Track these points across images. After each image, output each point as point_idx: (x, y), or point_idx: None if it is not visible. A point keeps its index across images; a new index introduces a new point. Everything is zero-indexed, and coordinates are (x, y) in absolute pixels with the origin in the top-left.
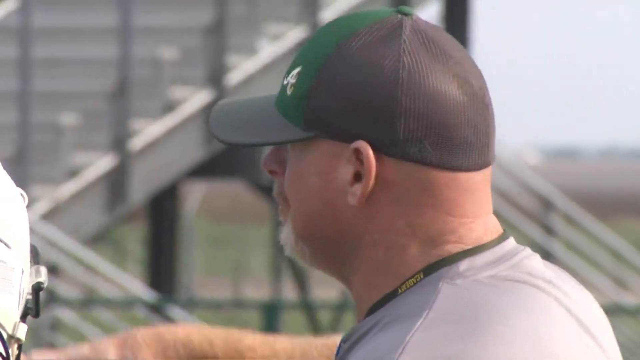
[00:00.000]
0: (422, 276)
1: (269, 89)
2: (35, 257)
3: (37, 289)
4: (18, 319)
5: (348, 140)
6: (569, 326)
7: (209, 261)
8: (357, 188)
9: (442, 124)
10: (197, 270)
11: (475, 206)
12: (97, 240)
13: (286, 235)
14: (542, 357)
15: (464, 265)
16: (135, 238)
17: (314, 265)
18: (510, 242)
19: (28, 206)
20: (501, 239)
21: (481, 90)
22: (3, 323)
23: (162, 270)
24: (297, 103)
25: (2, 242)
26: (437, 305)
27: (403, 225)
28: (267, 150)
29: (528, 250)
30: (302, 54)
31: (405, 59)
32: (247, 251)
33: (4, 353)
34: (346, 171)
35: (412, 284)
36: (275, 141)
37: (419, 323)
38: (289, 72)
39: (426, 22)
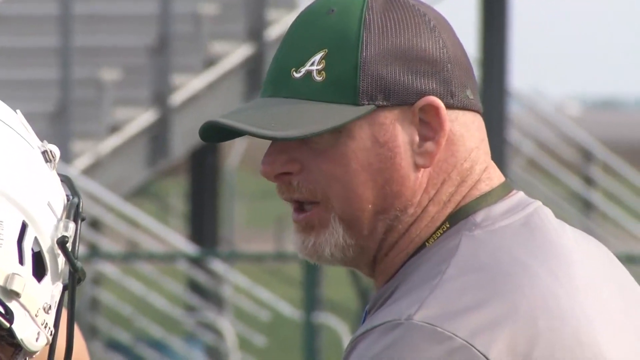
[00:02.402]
0: (448, 225)
1: None
2: (70, 211)
3: (61, 242)
4: (12, 272)
5: (411, 101)
6: (588, 270)
7: (250, 214)
8: (428, 146)
9: (470, 69)
10: (238, 224)
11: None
12: (139, 194)
13: (327, 237)
14: (562, 303)
15: (480, 215)
16: (177, 192)
17: (353, 260)
18: (520, 194)
19: (67, 161)
20: (508, 186)
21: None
22: None
23: (204, 224)
24: (345, 82)
25: None
26: (456, 260)
27: (455, 175)
28: (268, 155)
29: (539, 202)
30: (315, 41)
31: (426, 12)
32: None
33: None
34: (411, 134)
35: (439, 235)
36: (339, 123)
37: (437, 279)
38: (298, 63)
39: None
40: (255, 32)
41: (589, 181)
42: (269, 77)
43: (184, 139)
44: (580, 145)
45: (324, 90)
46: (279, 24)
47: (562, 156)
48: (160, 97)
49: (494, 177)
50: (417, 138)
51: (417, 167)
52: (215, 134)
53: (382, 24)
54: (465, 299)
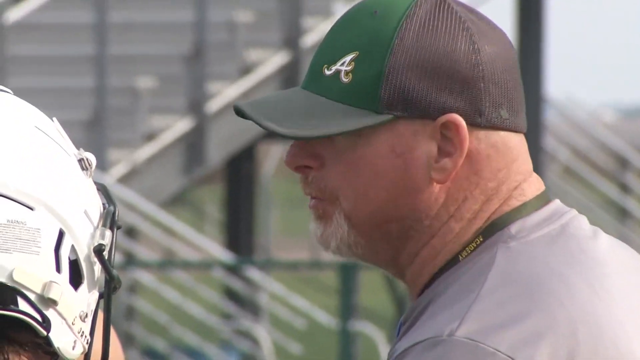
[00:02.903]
0: (481, 239)
1: None
2: (107, 219)
3: (97, 250)
4: (49, 280)
5: (433, 115)
6: (623, 280)
7: (286, 222)
8: (445, 163)
9: (511, 87)
10: (274, 232)
11: (529, 162)
12: (175, 202)
13: (333, 230)
14: (600, 313)
15: (516, 227)
16: (212, 200)
17: (364, 257)
18: (556, 202)
19: (103, 170)
20: (545, 197)
21: (514, 50)
22: (26, 284)
23: (239, 232)
24: (367, 88)
25: (21, 204)
26: (493, 273)
27: (478, 194)
28: (293, 146)
29: (575, 211)
30: (350, 41)
31: (470, 26)
32: None
33: (34, 314)
34: (430, 148)
35: (473, 248)
36: (352, 128)
37: (476, 293)
38: (331, 61)
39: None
40: (291, 40)
41: (624, 188)
42: (309, 68)
43: (220, 146)
44: (616, 152)
45: (348, 93)
46: (315, 32)
47: (598, 163)
48: (195, 105)
49: (528, 191)
50: (435, 153)
51: (432, 181)
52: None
53: (418, 34)
54: (505, 312)
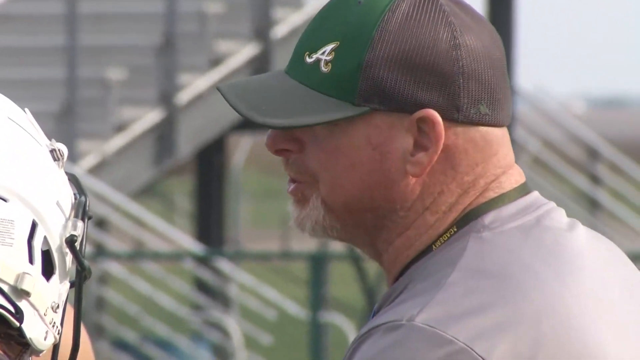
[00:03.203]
0: (455, 230)
1: None
2: (78, 209)
3: (69, 241)
4: (22, 271)
5: (409, 110)
6: (599, 273)
7: (256, 214)
8: (420, 157)
9: (493, 82)
10: (244, 223)
11: (511, 155)
12: (145, 194)
13: (309, 212)
14: (569, 307)
15: (490, 217)
16: (183, 191)
17: (340, 239)
18: (535, 194)
19: (73, 161)
20: (524, 189)
21: (503, 47)
22: (0, 276)
23: (210, 223)
24: (345, 79)
25: None
26: (462, 263)
27: (455, 187)
28: (271, 130)
29: (553, 204)
30: (332, 30)
31: (453, 20)
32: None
33: (7, 306)
34: (406, 141)
35: (446, 238)
36: (330, 119)
37: (442, 282)
38: (312, 49)
39: None
40: (261, 31)
41: (595, 179)
42: (293, 51)
43: (190, 138)
44: (586, 143)
45: (326, 83)
46: (285, 23)
47: (568, 154)
48: (166, 97)
49: (506, 183)
50: (411, 146)
51: (407, 174)
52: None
53: (400, 27)
54: (469, 302)
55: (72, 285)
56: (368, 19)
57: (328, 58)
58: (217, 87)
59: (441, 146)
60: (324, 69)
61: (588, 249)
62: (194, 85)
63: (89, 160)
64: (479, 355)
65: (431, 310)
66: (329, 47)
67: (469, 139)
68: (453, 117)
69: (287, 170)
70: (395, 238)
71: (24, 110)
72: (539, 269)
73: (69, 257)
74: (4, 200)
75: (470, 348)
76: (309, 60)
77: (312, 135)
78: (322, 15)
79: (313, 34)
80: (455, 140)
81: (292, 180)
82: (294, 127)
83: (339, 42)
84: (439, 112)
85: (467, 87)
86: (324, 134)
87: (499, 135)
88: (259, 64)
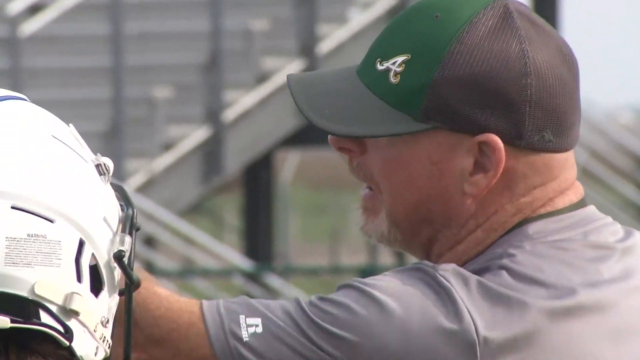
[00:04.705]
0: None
1: (361, 58)
2: (126, 223)
3: (117, 257)
4: (71, 291)
5: (472, 132)
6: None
7: (305, 229)
8: (479, 179)
9: (561, 111)
10: (293, 238)
11: (573, 175)
12: (194, 211)
13: (378, 223)
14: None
15: (534, 227)
16: (231, 208)
17: (401, 248)
18: (590, 209)
19: (121, 180)
20: (579, 205)
21: (576, 61)
22: (48, 297)
23: (258, 239)
24: (413, 94)
25: (42, 217)
26: (495, 262)
27: (510, 207)
28: None
29: (608, 219)
30: (406, 41)
31: (526, 47)
32: (343, 217)
33: (56, 326)
34: (466, 161)
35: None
36: (391, 133)
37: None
38: (384, 57)
39: (519, 1)
40: (306, 48)
41: None
42: (367, 53)
43: (237, 155)
44: (633, 153)
45: (393, 94)
46: (330, 39)
47: (616, 164)
48: (212, 114)
49: (560, 202)
50: (471, 167)
51: (465, 193)
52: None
53: (473, 49)
54: (484, 285)
55: (121, 293)
56: (442, 36)
57: (398, 69)
58: (287, 76)
59: (500, 171)
60: (392, 79)
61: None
62: (241, 102)
63: (137, 179)
64: (461, 299)
65: (446, 267)
66: (400, 59)
67: (529, 164)
68: (515, 143)
69: (353, 172)
70: (446, 251)
71: (68, 126)
72: (561, 280)
73: (118, 272)
74: (51, 221)
75: (455, 290)
76: (379, 67)
77: (375, 141)
78: (399, 24)
79: (388, 41)
80: (515, 165)
81: (368, 186)
82: (358, 137)
83: (410, 55)
84: (501, 137)
85: (532, 115)
86: (384, 142)
87: (561, 159)
88: None
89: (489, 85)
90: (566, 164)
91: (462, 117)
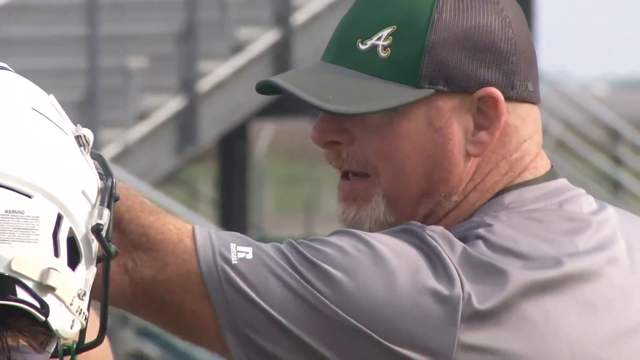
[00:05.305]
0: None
1: (334, 26)
2: (105, 194)
3: (95, 230)
4: (48, 266)
5: (471, 89)
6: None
7: (280, 200)
8: (482, 136)
9: (535, 61)
10: (268, 210)
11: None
12: (168, 182)
13: (369, 212)
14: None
15: (510, 197)
16: (205, 179)
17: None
18: (563, 181)
19: (96, 150)
20: (552, 174)
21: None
22: (25, 273)
23: (233, 210)
24: (409, 62)
25: (20, 192)
26: (470, 233)
27: (504, 165)
28: (320, 121)
29: (581, 191)
30: (386, 14)
31: (501, 2)
32: (317, 189)
33: (32, 302)
34: (466, 122)
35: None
36: (395, 105)
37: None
38: (365, 35)
39: None
40: (281, 18)
41: (617, 161)
42: (334, 42)
43: (212, 125)
44: (608, 125)
45: (387, 68)
46: (306, 9)
47: (590, 136)
48: (187, 84)
49: (541, 166)
50: (472, 127)
51: (468, 155)
52: (271, 90)
53: (455, 8)
54: (468, 251)
55: (99, 260)
56: (423, 2)
57: (385, 43)
58: (269, 80)
59: (502, 123)
60: (382, 54)
61: (611, 239)
62: (215, 72)
63: (112, 149)
64: (449, 258)
65: (434, 229)
66: (385, 32)
67: (518, 116)
68: (509, 94)
69: (342, 164)
70: (442, 218)
71: (49, 95)
72: (536, 253)
73: (95, 244)
74: (28, 196)
75: (444, 253)
76: (362, 47)
77: (364, 125)
78: (370, 2)
79: (361, 19)
80: (509, 118)
81: (346, 177)
82: (366, 113)
83: (395, 27)
84: (499, 90)
85: (519, 64)
86: (378, 122)
87: (537, 112)
88: (280, 50)
89: (479, 39)
90: (539, 118)
91: (462, 75)
